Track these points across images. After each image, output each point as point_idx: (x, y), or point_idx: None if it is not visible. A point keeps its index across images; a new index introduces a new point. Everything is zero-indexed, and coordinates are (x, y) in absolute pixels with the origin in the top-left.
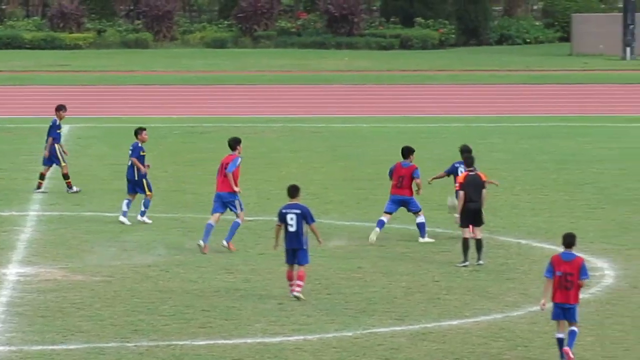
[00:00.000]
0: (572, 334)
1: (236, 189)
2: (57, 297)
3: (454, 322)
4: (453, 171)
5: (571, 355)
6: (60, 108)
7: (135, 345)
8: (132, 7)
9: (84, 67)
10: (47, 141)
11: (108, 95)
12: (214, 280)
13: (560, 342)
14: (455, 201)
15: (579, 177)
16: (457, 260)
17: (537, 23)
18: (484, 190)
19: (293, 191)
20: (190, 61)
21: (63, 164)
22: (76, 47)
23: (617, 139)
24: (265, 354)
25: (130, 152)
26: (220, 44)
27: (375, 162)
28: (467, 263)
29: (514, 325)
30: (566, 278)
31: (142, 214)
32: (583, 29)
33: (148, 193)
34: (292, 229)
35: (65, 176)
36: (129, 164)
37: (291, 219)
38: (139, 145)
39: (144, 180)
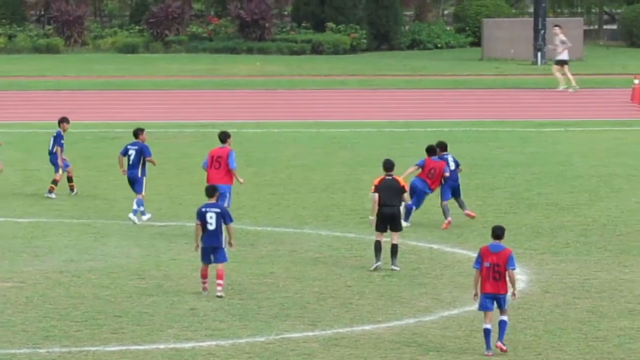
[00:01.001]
0: (502, 325)
1: (241, 180)
2: None
3: (367, 327)
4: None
5: (504, 348)
6: (63, 120)
7: (47, 352)
8: (42, 12)
9: None
10: (54, 150)
11: (19, 100)
12: (126, 286)
13: (487, 332)
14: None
15: (491, 182)
16: (369, 265)
17: (448, 28)
18: (404, 195)
19: (211, 191)
20: (101, 66)
21: (61, 172)
22: None
23: (529, 143)
24: None
25: (135, 152)
26: (131, 49)
27: (287, 166)
28: (379, 264)
29: (426, 330)
30: (494, 269)
31: (134, 212)
32: (494, 33)
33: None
34: (211, 227)
35: (55, 182)
36: (130, 163)
37: (210, 217)
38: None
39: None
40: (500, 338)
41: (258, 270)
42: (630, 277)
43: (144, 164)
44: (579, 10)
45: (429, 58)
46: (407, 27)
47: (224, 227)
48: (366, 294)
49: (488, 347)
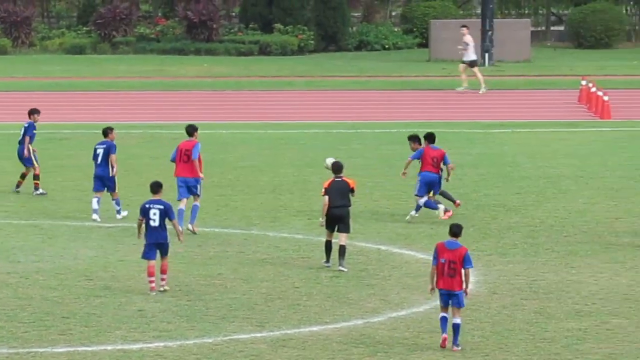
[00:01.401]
0: (455, 328)
1: (201, 175)
2: None
3: (315, 329)
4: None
5: (457, 348)
6: (34, 111)
7: None
8: None
9: None
10: (24, 142)
11: None
12: (74, 287)
13: (443, 320)
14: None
15: None
16: (317, 266)
17: (396, 29)
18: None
19: (156, 187)
20: (49, 67)
21: (36, 165)
22: None
23: (476, 144)
24: None
25: (103, 151)
26: (79, 50)
27: (235, 168)
28: (329, 264)
29: (374, 332)
30: (449, 265)
31: (119, 212)
32: (441, 35)
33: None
34: (154, 223)
35: (36, 177)
36: (99, 162)
37: (154, 213)
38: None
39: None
40: (454, 341)
41: (206, 272)
42: (577, 278)
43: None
44: (527, 12)
45: (377, 59)
46: (354, 28)
47: (168, 223)
48: (314, 295)
49: (444, 331)
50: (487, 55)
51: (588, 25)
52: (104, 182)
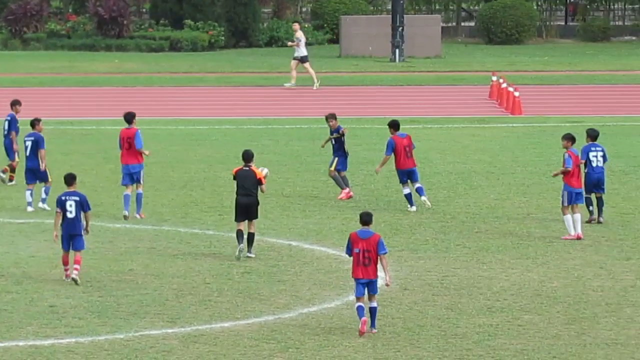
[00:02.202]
0: (373, 311)
1: (147, 152)
2: None
3: (226, 324)
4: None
5: (375, 331)
6: (16, 103)
7: None
8: None
9: None
10: (9, 135)
11: None
12: None
13: (360, 309)
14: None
15: (349, 179)
16: (228, 262)
17: (307, 25)
18: (262, 186)
19: (70, 179)
20: None
21: (17, 159)
22: None
23: (385, 140)
24: (37, 357)
25: (31, 143)
26: None
27: (146, 164)
28: (242, 246)
29: (285, 327)
30: (364, 254)
31: (44, 200)
32: (352, 30)
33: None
34: (70, 215)
35: (12, 169)
36: (28, 154)
37: (70, 205)
38: (41, 135)
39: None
40: (372, 324)
41: (117, 267)
42: (488, 274)
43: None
44: (437, 8)
45: (287, 55)
46: (265, 24)
47: (82, 215)
48: (225, 291)
49: (363, 315)
50: (397, 51)
51: (498, 21)
52: (36, 174)
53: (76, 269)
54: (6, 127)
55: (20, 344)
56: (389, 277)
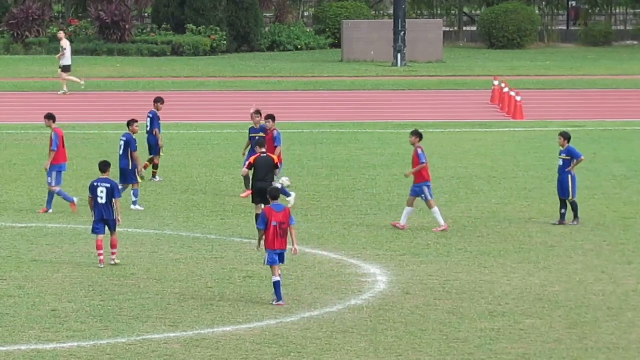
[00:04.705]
0: (277, 285)
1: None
2: None
3: (228, 329)
4: None
5: (283, 303)
6: (158, 100)
7: None
8: None
9: None
10: (152, 132)
11: None
12: None
13: (277, 284)
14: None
15: (351, 183)
16: (230, 266)
17: (308, 30)
18: (277, 170)
19: (104, 166)
20: None
21: (162, 154)
22: None
23: (389, 145)
24: None
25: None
26: None
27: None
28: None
29: (287, 332)
30: (280, 227)
31: (135, 203)
32: (354, 35)
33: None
34: (101, 201)
35: (155, 165)
36: (120, 154)
37: (101, 191)
38: (133, 137)
39: (136, 170)
40: (279, 298)
41: (119, 272)
42: (490, 279)
43: None
44: (439, 12)
45: (289, 60)
46: (267, 29)
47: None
48: (227, 295)
49: (279, 298)
50: (399, 55)
51: (500, 26)
52: (125, 174)
53: (114, 252)
54: (148, 124)
55: (23, 348)
56: (297, 246)
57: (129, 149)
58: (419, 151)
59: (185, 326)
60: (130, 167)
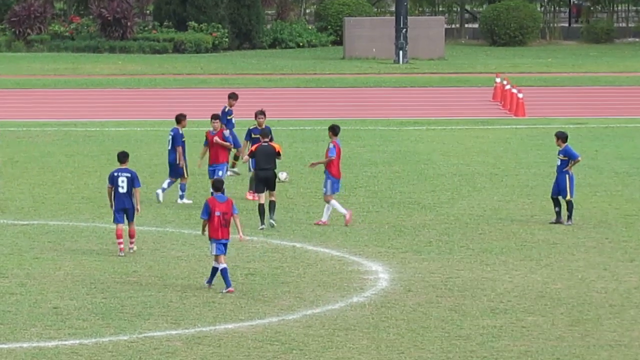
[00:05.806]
0: (224, 272)
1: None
2: None
3: (230, 326)
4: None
5: (231, 289)
6: (231, 96)
7: None
8: None
9: None
10: (229, 127)
11: None
12: None
13: (225, 271)
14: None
15: (353, 181)
16: (231, 263)
17: (310, 27)
18: (276, 159)
19: (122, 157)
20: None
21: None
22: None
23: (390, 142)
24: (41, 359)
25: (171, 139)
26: None
27: (149, 165)
28: (263, 226)
29: (289, 329)
30: (224, 217)
31: (181, 197)
32: (355, 32)
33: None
34: (122, 190)
35: (236, 157)
36: (169, 148)
37: (122, 181)
38: (180, 132)
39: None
40: (228, 285)
41: (121, 269)
42: (492, 276)
43: None
44: (441, 9)
45: (291, 57)
46: (268, 26)
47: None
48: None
49: (228, 285)
50: (401, 52)
51: (502, 23)
52: (172, 168)
53: (132, 242)
54: (224, 120)
55: (24, 345)
56: (242, 234)
57: (175, 144)
58: (330, 145)
59: (187, 323)
60: (177, 162)
